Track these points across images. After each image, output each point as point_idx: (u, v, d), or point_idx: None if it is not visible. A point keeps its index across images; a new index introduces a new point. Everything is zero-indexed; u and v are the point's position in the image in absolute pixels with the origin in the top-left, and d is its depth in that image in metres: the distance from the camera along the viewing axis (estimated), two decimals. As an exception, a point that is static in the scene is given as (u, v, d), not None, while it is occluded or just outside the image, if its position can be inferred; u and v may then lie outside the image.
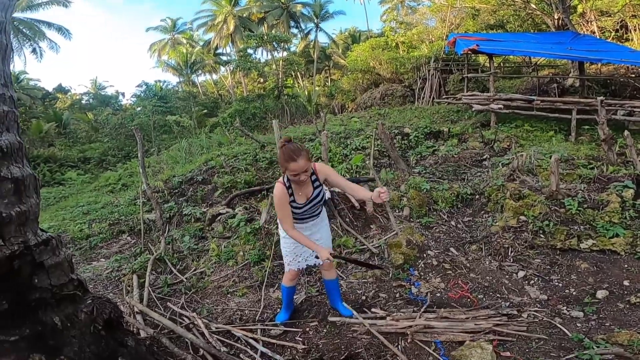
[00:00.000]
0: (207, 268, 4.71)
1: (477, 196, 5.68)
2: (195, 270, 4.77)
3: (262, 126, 19.26)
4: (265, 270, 4.27)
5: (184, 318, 3.65)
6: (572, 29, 14.59)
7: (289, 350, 3.10)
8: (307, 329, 3.33)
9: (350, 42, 35.48)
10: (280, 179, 2.99)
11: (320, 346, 3.11)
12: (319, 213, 3.19)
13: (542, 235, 4.40)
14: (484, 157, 7.93)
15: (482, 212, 5.32)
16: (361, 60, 21.68)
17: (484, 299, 3.65)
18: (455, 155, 8.07)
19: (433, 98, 17.15)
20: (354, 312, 3.27)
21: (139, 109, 27.03)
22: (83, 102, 40.07)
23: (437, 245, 4.61)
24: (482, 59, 19.42)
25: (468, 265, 4.20)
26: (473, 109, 11.37)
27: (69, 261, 1.80)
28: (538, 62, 17.71)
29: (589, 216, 4.48)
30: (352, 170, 7.38)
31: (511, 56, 18.03)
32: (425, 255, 4.36)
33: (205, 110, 27.33)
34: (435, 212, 5.37)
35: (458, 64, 18.47)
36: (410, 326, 3.14)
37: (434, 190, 5.69)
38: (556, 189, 4.82)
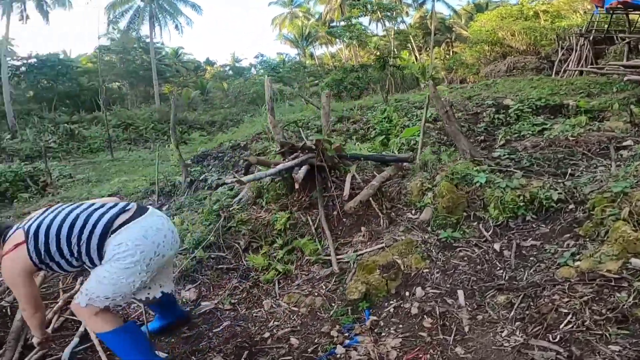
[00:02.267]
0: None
1: (569, 206, 3.38)
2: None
3: (365, 96, 18.14)
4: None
5: None
6: None
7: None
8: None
9: (476, 13, 31.10)
10: None
11: None
12: None
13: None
14: (623, 143, 5.10)
15: (566, 235, 3.08)
16: (486, 31, 18.89)
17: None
18: (572, 138, 5.40)
19: (581, 71, 13.35)
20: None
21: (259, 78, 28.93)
22: (224, 73, 44.46)
23: (441, 281, 2.68)
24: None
25: (465, 329, 2.26)
26: (626, 78, 7.99)
27: None
28: None
29: None
30: (404, 146, 5.63)
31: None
32: (407, 293, 2.54)
33: (317, 81, 27.31)
34: (474, 223, 3.31)
35: (623, 31, 13.88)
36: None
37: (488, 186, 3.58)
38: None
